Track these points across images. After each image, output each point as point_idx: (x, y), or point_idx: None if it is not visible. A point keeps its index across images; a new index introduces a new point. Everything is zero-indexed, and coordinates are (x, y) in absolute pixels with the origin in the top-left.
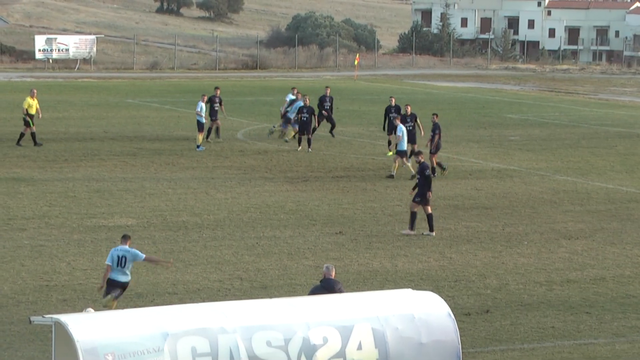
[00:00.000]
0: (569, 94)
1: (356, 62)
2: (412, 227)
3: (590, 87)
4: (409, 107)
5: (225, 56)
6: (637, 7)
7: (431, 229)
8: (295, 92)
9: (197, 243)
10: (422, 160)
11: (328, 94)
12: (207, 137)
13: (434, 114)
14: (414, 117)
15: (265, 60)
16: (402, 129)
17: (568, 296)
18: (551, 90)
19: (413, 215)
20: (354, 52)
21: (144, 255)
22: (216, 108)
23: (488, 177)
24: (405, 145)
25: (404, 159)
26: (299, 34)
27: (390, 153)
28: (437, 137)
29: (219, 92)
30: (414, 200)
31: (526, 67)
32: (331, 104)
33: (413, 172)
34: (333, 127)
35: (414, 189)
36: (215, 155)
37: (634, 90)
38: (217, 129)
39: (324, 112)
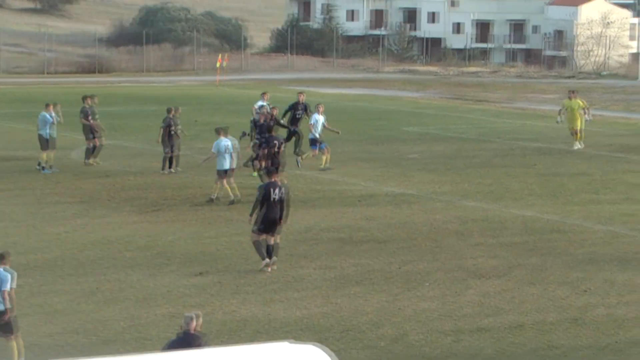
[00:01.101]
0: (479, 102)
1: (219, 64)
2: (264, 257)
3: (504, 94)
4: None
5: (56, 57)
6: None
7: (270, 256)
8: (267, 97)
9: (22, 289)
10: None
11: (302, 101)
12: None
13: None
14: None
15: (106, 62)
16: (316, 118)
17: (479, 348)
18: (457, 97)
19: (256, 245)
20: (216, 52)
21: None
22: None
23: (382, 204)
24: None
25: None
26: (149, 30)
27: (255, 173)
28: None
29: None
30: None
31: (427, 70)
32: (303, 113)
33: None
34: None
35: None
36: (45, 179)
37: (556, 97)
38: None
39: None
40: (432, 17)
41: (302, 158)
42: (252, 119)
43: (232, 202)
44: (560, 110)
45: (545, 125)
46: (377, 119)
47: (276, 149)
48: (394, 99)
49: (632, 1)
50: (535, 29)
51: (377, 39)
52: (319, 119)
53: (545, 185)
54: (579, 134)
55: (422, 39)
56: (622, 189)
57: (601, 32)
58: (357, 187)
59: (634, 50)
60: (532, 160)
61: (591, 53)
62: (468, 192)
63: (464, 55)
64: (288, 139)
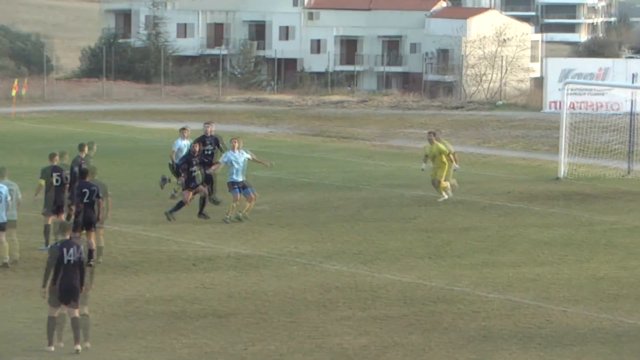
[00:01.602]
0: (345, 139)
1: (15, 93)
2: (51, 341)
3: (376, 129)
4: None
5: None
6: (444, 9)
7: (76, 334)
8: (187, 134)
9: None
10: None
11: (210, 133)
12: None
13: None
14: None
15: None
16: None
17: None
18: (318, 133)
19: (49, 322)
20: (12, 77)
21: None
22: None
23: (223, 269)
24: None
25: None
26: None
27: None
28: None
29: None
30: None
31: (279, 99)
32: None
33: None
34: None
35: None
36: None
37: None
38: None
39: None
40: (286, 33)
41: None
42: (169, 162)
43: (5, 265)
44: (424, 156)
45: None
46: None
47: (86, 200)
48: (238, 135)
49: (533, 13)
50: (414, 47)
51: (217, 60)
52: (236, 157)
53: (428, 243)
54: (443, 186)
55: (273, 60)
56: (524, 247)
57: (496, 51)
58: (192, 247)
59: (537, 74)
60: (411, 213)
61: (484, 78)
62: (332, 253)
63: (325, 80)
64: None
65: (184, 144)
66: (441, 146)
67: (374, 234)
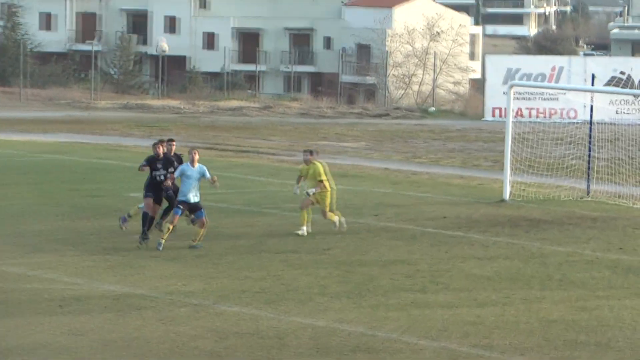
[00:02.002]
0: (245, 153)
1: None
2: None
3: (283, 141)
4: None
5: None
6: None
7: None
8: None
9: None
10: None
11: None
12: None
13: None
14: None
15: None
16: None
17: None
18: (211, 146)
19: None
20: None
21: None
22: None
23: (97, 311)
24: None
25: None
26: None
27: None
28: None
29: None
30: None
31: (165, 105)
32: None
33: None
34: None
35: None
36: None
37: (361, 145)
38: None
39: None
40: (172, 25)
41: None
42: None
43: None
44: (298, 178)
45: (344, 189)
46: (87, 180)
47: None
48: (115, 148)
49: (472, 1)
50: (328, 42)
51: (88, 58)
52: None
53: (345, 279)
54: (331, 218)
55: (157, 57)
56: (461, 284)
57: (427, 47)
58: (58, 286)
59: (477, 75)
60: (325, 242)
61: (413, 79)
62: (229, 291)
63: (220, 82)
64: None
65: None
66: (319, 166)
67: (280, 269)
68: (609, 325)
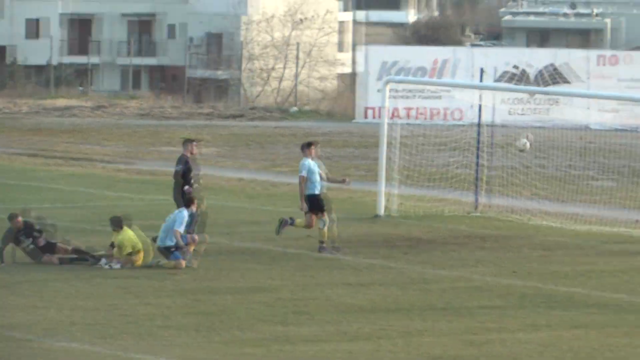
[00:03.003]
0: (75, 161)
1: None
2: None
3: (120, 147)
4: None
5: None
6: None
7: None
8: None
9: None
10: None
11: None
12: None
13: None
14: None
15: None
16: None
17: None
18: (35, 153)
19: None
20: None
21: None
22: None
23: None
24: None
25: None
26: None
27: None
28: None
29: None
30: None
31: None
32: None
33: None
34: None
35: None
36: None
37: (211, 152)
38: None
39: None
40: None
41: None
42: None
43: None
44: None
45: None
46: None
47: None
48: None
49: None
50: (173, 30)
51: None
52: None
53: (192, 309)
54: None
55: None
56: (329, 315)
57: (289, 36)
58: None
59: (348, 69)
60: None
61: (273, 74)
62: (56, 324)
63: (47, 77)
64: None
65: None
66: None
67: (117, 297)
68: None
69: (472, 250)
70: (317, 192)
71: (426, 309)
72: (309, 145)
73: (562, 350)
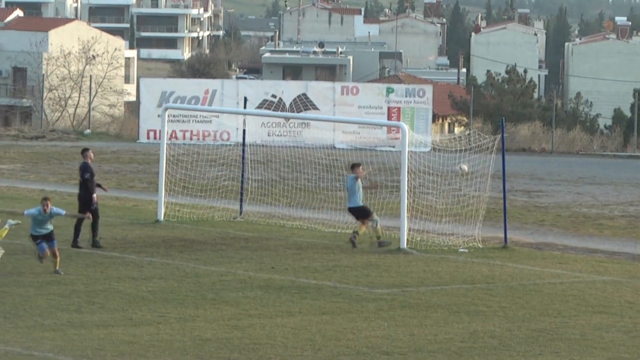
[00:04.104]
0: None
1: None
2: None
3: None
4: None
5: None
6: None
7: None
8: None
9: None
10: None
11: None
12: None
13: None
14: None
15: None
16: None
17: None
18: None
19: None
20: None
21: None
22: None
23: None
24: None
25: None
26: None
27: None
28: None
29: None
30: None
31: None
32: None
33: None
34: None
35: None
36: None
37: (17, 168)
38: None
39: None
40: None
41: None
42: None
43: None
44: None
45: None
46: None
47: None
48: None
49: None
50: None
51: None
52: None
53: (1, 300)
54: None
55: None
56: (117, 304)
57: (83, 70)
58: None
59: (132, 98)
60: None
61: (69, 102)
62: None
63: None
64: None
65: None
66: None
67: None
68: (261, 344)
69: (237, 249)
70: (360, 204)
71: (198, 298)
72: (356, 166)
73: (312, 332)
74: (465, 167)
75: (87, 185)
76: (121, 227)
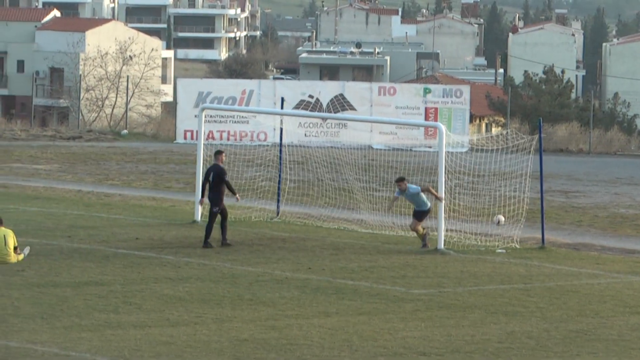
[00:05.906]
0: None
1: None
2: None
3: None
4: None
5: None
6: (56, 20)
7: None
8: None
9: None
10: None
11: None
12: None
13: None
14: None
15: None
16: None
17: None
18: None
19: None
20: None
21: None
22: None
23: None
24: None
25: None
26: None
27: None
28: None
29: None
30: None
31: None
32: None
33: None
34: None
35: None
36: None
37: (54, 168)
38: None
39: None
40: None
41: None
42: None
43: None
44: None
45: (37, 211)
46: None
47: None
48: None
49: (163, 25)
50: (21, 65)
51: None
52: None
53: (38, 301)
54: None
55: None
56: (154, 304)
57: (120, 70)
58: None
59: (169, 98)
60: (15, 265)
61: (106, 102)
62: None
63: None
64: None
65: None
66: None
67: None
68: (297, 344)
69: (274, 250)
70: (425, 208)
71: (235, 299)
72: (400, 180)
73: (349, 333)
74: (502, 219)
75: (224, 187)
76: (158, 228)
